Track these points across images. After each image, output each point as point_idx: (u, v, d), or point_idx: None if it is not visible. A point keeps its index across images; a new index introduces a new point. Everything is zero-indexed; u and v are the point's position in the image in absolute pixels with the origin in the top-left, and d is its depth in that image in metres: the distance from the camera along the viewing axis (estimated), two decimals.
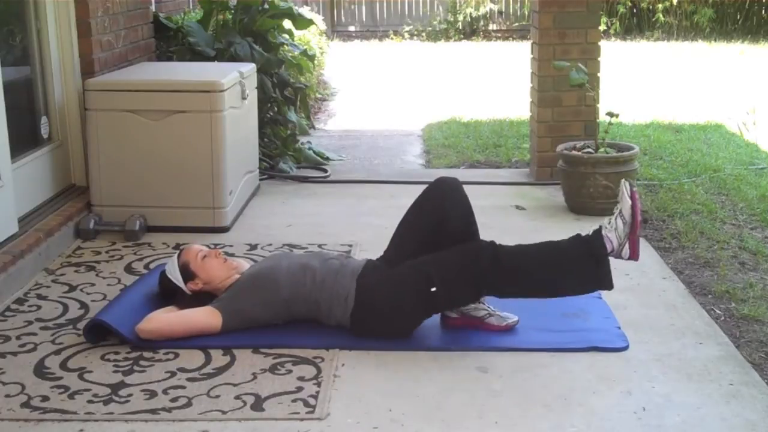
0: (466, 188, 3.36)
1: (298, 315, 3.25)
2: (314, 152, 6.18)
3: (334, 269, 3.25)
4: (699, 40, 13.69)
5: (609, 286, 3.15)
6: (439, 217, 3.27)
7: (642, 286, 3.74)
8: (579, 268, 3.15)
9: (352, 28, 15.90)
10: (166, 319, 3.19)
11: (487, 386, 2.89)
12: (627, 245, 3.11)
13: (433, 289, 3.11)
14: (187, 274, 3.32)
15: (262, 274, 3.28)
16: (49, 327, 3.34)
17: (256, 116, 5.33)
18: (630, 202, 3.11)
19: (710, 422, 2.68)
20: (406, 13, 15.85)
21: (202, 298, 3.29)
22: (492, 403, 2.79)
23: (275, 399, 2.78)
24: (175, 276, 3.32)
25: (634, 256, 3.13)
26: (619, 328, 3.30)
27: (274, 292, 3.21)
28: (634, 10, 14.48)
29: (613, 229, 3.12)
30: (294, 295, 3.21)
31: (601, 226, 3.16)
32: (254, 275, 3.29)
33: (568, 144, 4.98)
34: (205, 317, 3.19)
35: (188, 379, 2.91)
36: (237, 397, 2.79)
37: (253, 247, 4.25)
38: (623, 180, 3.22)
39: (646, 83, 9.82)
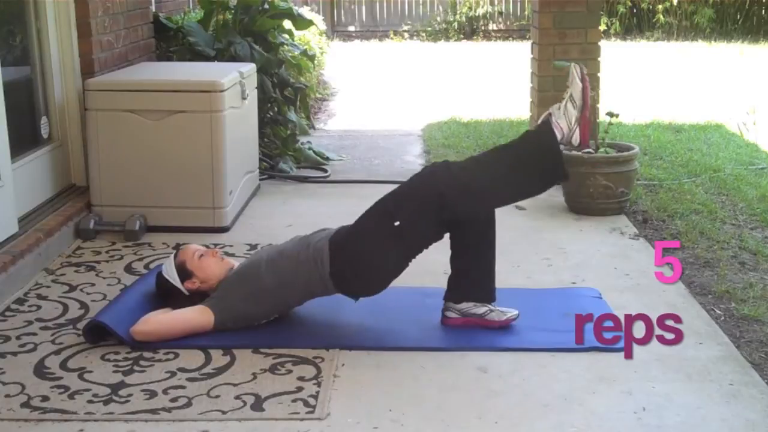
0: None
1: (293, 301, 3.26)
2: (314, 152, 6.17)
3: (306, 241, 3.25)
4: (699, 40, 13.68)
5: (564, 176, 3.13)
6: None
7: (642, 286, 3.74)
8: (533, 161, 3.13)
9: (352, 28, 15.90)
10: (160, 320, 3.18)
11: (487, 386, 2.89)
12: (577, 130, 3.10)
13: (396, 223, 3.10)
14: (184, 273, 3.31)
15: (245, 268, 3.31)
16: (49, 327, 3.34)
17: (256, 116, 5.33)
18: (581, 84, 3.11)
19: (710, 422, 2.68)
20: (406, 13, 15.85)
21: (199, 298, 3.29)
22: (492, 403, 2.79)
23: (275, 399, 2.78)
24: (172, 276, 3.32)
25: (584, 141, 3.12)
26: None
27: (257, 283, 3.21)
28: (634, 10, 14.48)
29: (563, 115, 3.10)
30: (278, 283, 3.19)
31: (550, 114, 3.14)
32: (238, 271, 3.31)
33: None
34: (197, 315, 3.20)
35: (188, 379, 2.91)
36: (237, 397, 2.79)
37: (253, 247, 4.24)
38: (573, 63, 3.18)
39: (646, 83, 9.81)
